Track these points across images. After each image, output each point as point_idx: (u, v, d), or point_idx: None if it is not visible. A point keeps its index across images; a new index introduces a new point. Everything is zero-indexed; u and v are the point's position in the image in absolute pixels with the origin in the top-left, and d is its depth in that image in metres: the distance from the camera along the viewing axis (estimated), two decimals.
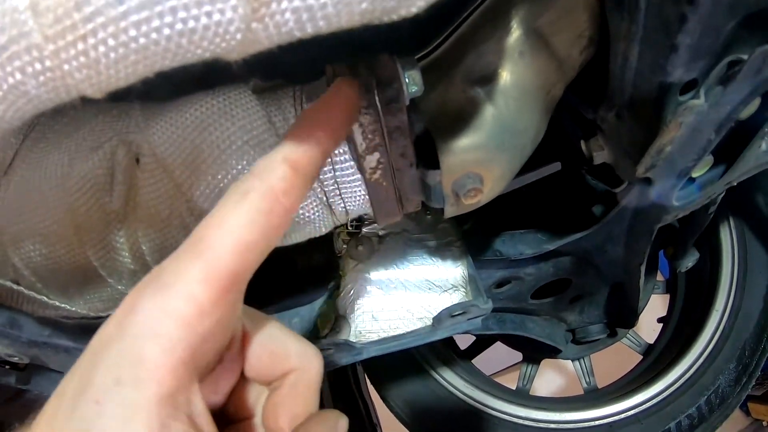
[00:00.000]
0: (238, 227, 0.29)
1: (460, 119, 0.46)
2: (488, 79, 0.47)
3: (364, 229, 0.55)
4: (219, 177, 0.47)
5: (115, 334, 0.28)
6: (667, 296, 1.29)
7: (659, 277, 1.28)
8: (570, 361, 1.25)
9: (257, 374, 0.36)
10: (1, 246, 0.55)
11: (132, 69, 0.26)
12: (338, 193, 0.49)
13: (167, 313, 0.28)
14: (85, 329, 0.64)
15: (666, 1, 0.38)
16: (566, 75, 0.51)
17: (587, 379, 1.27)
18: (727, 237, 1.11)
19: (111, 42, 0.24)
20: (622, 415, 1.08)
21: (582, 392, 1.26)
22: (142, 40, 0.24)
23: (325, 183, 0.49)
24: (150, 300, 0.28)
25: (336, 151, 0.47)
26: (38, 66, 0.25)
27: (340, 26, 0.27)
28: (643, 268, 0.85)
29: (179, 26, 0.24)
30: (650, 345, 1.27)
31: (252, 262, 0.30)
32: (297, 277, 0.68)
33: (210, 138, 0.48)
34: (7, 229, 0.54)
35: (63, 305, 0.57)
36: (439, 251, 0.70)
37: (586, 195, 0.77)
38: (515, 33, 0.47)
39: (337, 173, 0.48)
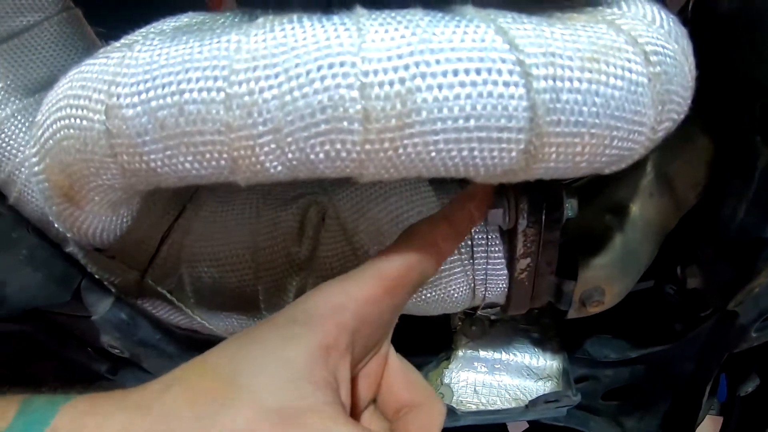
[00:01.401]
0: (407, 253, 0.40)
1: (596, 241, 0.58)
2: (621, 210, 0.59)
3: (479, 312, 0.66)
4: None
5: (300, 301, 0.38)
6: (719, 419, 1.33)
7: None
8: None
9: (390, 396, 0.43)
10: (177, 260, 0.65)
11: (407, 172, 0.35)
12: (484, 282, 0.60)
13: (344, 292, 0.38)
14: (192, 341, 0.73)
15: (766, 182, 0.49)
16: (680, 213, 0.62)
17: None
18: None
19: (410, 151, 0.33)
20: None
21: None
22: (433, 154, 0.34)
23: (477, 272, 0.60)
24: (333, 284, 0.39)
25: (492, 250, 0.58)
26: (344, 154, 0.34)
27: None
28: (708, 387, 0.93)
29: (465, 153, 0.33)
30: None
31: (412, 280, 0.41)
32: (413, 341, 0.79)
33: (387, 209, 0.60)
34: (188, 248, 0.64)
35: (203, 321, 0.67)
36: (541, 343, 0.80)
37: (669, 311, 0.86)
38: (649, 176, 0.58)
39: (489, 266, 0.59)
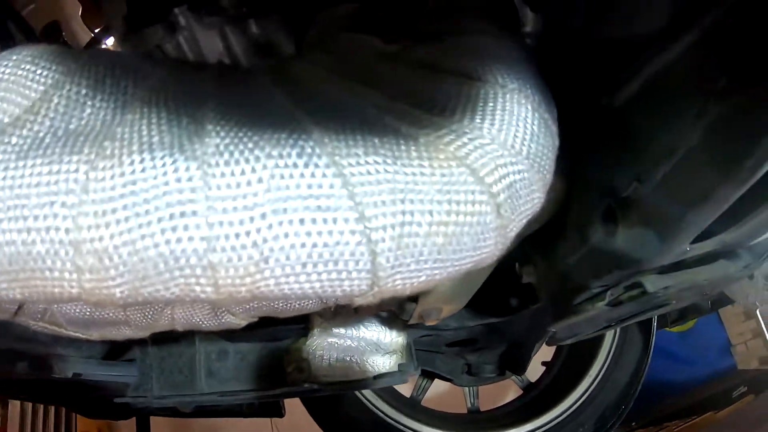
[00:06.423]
0: None
1: None
2: None
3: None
4: None
5: None
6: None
7: None
8: None
9: None
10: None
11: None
12: None
13: None
14: None
15: (595, 252, 0.55)
16: (518, 241, 0.68)
17: (472, 401, 1.46)
18: None
19: (263, 291, 0.37)
20: None
21: (465, 411, 1.46)
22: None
23: None
24: None
25: None
26: (202, 297, 0.36)
27: None
28: (538, 345, 1.05)
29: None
30: (531, 383, 1.47)
31: None
32: (271, 321, 0.84)
33: None
34: None
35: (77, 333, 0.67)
36: (388, 321, 0.87)
37: (507, 288, 0.94)
38: None
39: None
